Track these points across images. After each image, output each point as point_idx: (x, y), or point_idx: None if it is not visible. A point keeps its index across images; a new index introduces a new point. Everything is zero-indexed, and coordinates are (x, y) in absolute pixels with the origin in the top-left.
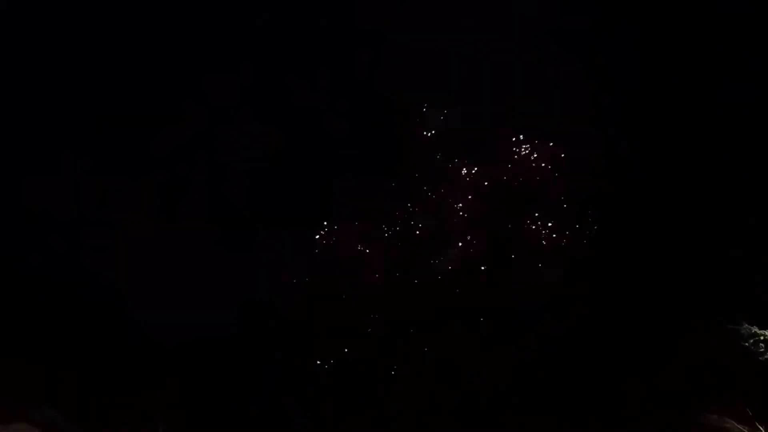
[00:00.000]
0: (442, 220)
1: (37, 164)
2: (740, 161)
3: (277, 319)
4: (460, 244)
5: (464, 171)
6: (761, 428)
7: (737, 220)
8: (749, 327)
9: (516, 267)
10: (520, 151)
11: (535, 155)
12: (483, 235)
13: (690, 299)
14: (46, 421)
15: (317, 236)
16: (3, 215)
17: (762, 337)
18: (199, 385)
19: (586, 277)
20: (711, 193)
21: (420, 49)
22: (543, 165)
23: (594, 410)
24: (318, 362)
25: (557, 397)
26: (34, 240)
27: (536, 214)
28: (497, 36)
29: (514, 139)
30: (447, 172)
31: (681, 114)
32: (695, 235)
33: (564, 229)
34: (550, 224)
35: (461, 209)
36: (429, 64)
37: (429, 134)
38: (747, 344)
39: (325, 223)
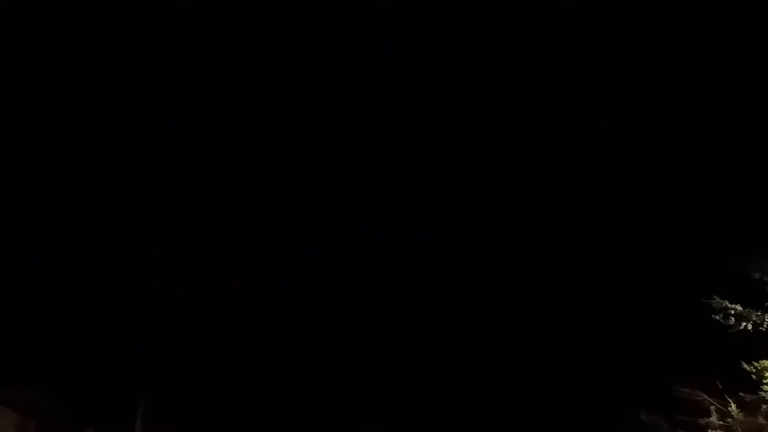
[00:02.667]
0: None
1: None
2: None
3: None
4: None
5: None
6: (731, 401)
7: (713, 207)
8: (720, 301)
9: None
10: None
11: None
12: None
13: (662, 274)
14: (27, 403)
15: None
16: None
17: (732, 311)
18: (189, 383)
19: (562, 255)
20: (688, 185)
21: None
22: None
23: (563, 385)
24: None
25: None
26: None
27: None
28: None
29: None
30: None
31: (656, 113)
32: (670, 215)
33: None
34: None
35: None
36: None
37: None
38: (718, 318)
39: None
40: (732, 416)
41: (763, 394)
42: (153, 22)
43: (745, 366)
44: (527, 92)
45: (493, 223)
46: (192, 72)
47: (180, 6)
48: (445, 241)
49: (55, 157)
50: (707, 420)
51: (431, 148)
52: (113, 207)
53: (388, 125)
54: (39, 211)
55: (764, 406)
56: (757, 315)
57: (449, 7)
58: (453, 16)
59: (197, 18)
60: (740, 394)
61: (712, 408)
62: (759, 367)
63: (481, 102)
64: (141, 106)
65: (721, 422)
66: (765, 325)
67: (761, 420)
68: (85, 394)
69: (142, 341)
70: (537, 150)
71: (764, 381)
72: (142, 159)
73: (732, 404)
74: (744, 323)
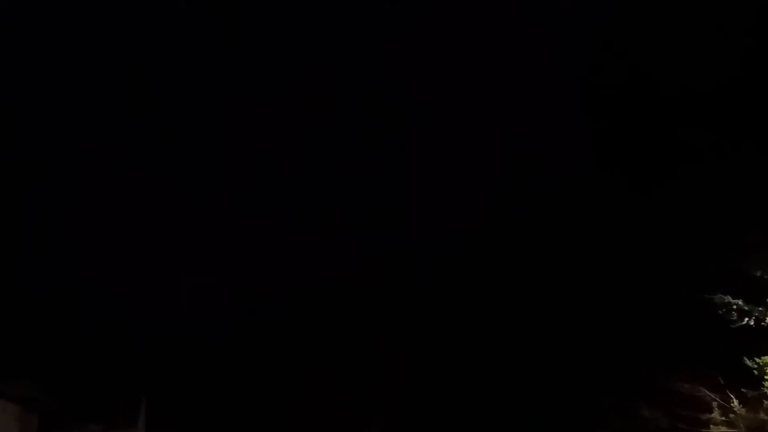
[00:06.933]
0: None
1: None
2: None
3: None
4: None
5: None
6: (732, 396)
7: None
8: (722, 296)
9: None
10: None
11: None
12: None
13: (663, 270)
14: (29, 398)
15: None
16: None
17: (735, 306)
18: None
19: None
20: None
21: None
22: None
23: (563, 381)
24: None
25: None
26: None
27: None
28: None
29: None
30: None
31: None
32: (666, 211)
33: None
34: None
35: None
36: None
37: None
38: (720, 313)
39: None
40: (734, 412)
41: (765, 389)
42: (153, 22)
43: (747, 362)
44: (527, 92)
45: (493, 223)
46: (192, 72)
47: (180, 6)
48: (445, 241)
49: (55, 157)
50: (709, 415)
51: (431, 148)
52: (114, 207)
53: (388, 125)
54: (40, 211)
55: (766, 402)
56: (759, 311)
57: (449, 7)
58: (453, 16)
59: (197, 18)
60: (742, 389)
61: (714, 403)
62: (761, 363)
63: (481, 102)
64: (141, 106)
65: (723, 418)
66: (767, 321)
67: (763, 416)
68: (87, 390)
69: (145, 338)
70: (537, 150)
71: (766, 377)
72: (142, 159)
73: (734, 400)
74: (746, 319)
